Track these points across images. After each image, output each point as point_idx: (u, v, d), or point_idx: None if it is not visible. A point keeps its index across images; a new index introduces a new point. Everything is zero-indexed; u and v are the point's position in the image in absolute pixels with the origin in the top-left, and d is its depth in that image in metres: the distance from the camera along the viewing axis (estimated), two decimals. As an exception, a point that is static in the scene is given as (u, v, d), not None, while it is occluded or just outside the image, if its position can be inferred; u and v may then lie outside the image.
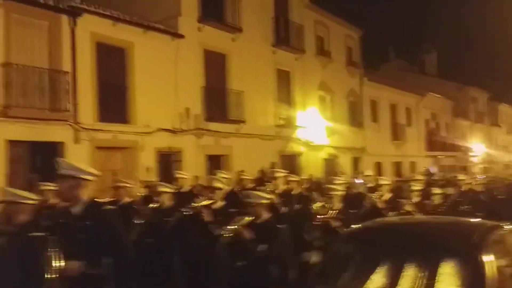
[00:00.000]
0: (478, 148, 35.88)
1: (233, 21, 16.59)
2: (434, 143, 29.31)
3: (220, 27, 16.19)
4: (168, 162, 14.58)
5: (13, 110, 10.55)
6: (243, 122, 16.67)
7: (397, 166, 26.05)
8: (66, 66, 11.68)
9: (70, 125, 11.72)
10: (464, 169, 32.39)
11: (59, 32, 11.65)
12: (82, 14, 11.89)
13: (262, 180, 12.37)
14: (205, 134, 15.55)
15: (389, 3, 69.80)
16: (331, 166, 20.74)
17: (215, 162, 16.31)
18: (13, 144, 10.72)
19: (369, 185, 10.81)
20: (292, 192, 9.09)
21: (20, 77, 10.78)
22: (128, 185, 7.41)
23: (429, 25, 68.01)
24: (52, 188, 8.27)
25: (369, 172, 12.35)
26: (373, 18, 61.58)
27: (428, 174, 22.39)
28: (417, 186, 8.17)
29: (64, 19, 11.71)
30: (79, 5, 11.88)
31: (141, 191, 9.81)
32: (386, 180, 8.87)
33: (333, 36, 22.55)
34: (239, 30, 16.79)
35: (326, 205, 6.48)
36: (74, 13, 11.74)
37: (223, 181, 7.36)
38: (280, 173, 9.81)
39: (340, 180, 10.06)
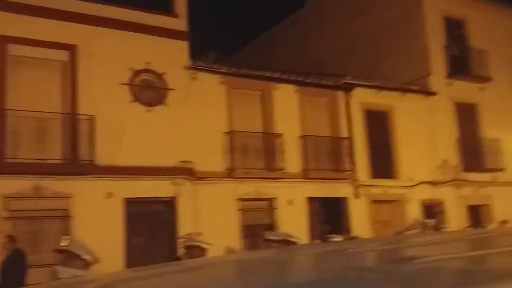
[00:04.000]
0: None
1: (480, 73, 16.87)
2: None
3: (468, 80, 16.65)
4: (431, 213, 15.28)
5: (310, 172, 12.98)
6: (501, 170, 16.35)
7: None
8: (344, 133, 13.85)
9: (351, 183, 13.64)
10: None
11: (337, 106, 13.99)
12: (354, 88, 14.06)
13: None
14: (463, 185, 15.80)
15: None
16: None
17: (475, 213, 16.28)
18: (310, 200, 13.07)
19: None
20: None
21: (312, 145, 13.28)
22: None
23: None
24: (338, 240, 9.93)
25: None
26: None
27: None
28: None
29: (340, 94, 14.05)
30: (352, 81, 14.10)
31: None
32: None
33: None
34: (487, 79, 16.92)
35: None
36: (348, 88, 14.00)
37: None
38: None
39: None
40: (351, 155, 13.77)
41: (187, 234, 8.22)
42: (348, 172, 13.58)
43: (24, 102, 9.82)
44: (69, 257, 4.87)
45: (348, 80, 14.11)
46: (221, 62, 13.33)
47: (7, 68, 10.01)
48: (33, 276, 9.43)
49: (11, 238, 8.65)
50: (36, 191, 9.78)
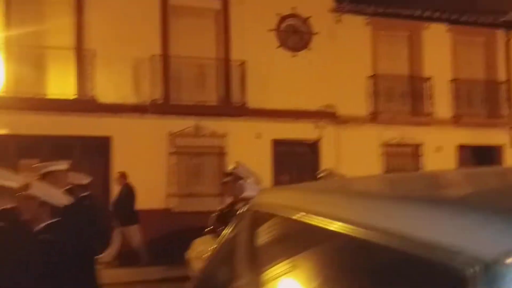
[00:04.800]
0: None
1: None
2: None
3: None
4: None
5: (461, 118, 12.20)
6: None
7: None
8: (502, 76, 12.61)
9: (507, 130, 12.52)
10: None
11: (494, 46, 12.73)
12: (517, 25, 12.61)
13: None
14: None
15: None
16: None
17: None
18: (461, 148, 12.36)
19: None
20: None
21: (465, 90, 12.39)
22: None
23: None
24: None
25: None
26: None
27: None
28: None
29: (499, 33, 12.72)
30: (515, 18, 12.63)
31: None
32: None
33: None
34: None
35: None
36: (508, 26, 12.59)
37: None
38: None
39: None
40: (509, 99, 12.56)
41: (325, 170, 8.42)
42: (505, 119, 12.46)
43: (184, 49, 10.80)
44: (236, 179, 5.38)
45: (509, 17, 12.64)
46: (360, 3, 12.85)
47: (169, 17, 11.02)
48: (195, 204, 10.69)
49: (122, 174, 9.15)
50: (196, 130, 10.87)
